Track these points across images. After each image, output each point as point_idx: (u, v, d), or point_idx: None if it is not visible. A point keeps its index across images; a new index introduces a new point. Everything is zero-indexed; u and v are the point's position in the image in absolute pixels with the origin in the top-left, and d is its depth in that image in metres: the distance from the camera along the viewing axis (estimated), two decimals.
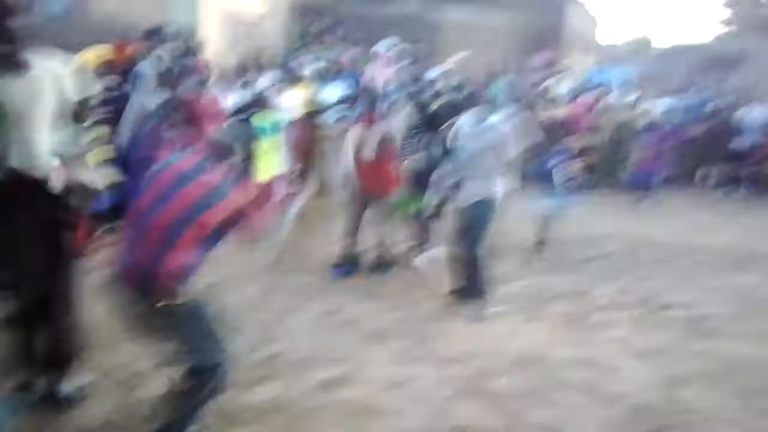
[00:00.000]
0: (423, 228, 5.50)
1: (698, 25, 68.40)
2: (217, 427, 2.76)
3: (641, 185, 8.41)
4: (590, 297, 4.75)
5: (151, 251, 2.33)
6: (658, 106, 9.66)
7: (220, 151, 2.71)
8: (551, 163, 5.91)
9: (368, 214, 5.06)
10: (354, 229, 5.04)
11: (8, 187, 2.43)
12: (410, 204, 5.45)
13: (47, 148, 2.49)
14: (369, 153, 4.88)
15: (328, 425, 2.83)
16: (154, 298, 2.32)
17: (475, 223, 4.26)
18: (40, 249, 2.55)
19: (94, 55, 6.27)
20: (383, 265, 5.10)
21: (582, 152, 9.19)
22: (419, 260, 5.23)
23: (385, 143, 4.87)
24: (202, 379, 2.42)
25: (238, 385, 3.11)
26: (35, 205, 2.49)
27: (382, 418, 2.91)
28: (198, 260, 2.41)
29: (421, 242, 5.53)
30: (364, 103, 4.93)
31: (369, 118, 4.90)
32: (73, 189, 4.41)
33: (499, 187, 4.30)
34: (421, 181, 5.37)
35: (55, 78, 2.48)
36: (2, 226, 2.45)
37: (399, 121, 5.06)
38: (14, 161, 2.44)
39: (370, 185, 4.92)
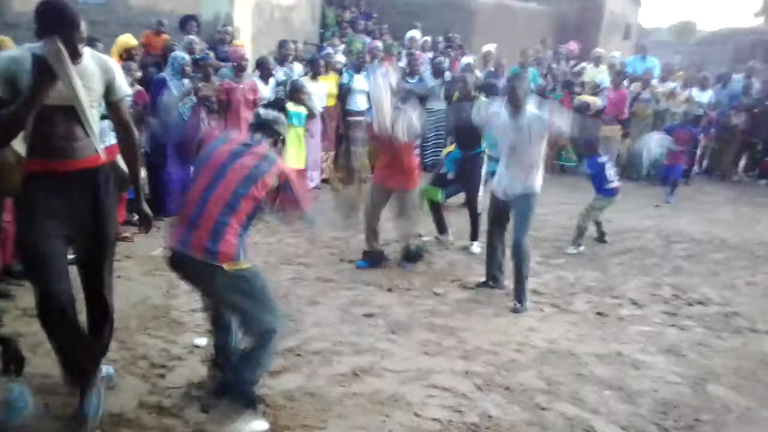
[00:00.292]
0: (440, 218, 5.61)
1: (745, 7, 65.78)
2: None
3: (674, 178, 8.11)
4: (620, 291, 4.70)
5: (214, 222, 2.59)
6: (701, 95, 9.39)
7: (264, 130, 2.87)
8: (603, 159, 5.84)
9: (392, 206, 5.06)
10: (375, 222, 5.03)
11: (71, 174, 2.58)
12: (434, 194, 5.47)
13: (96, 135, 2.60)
14: (390, 146, 4.80)
15: (353, 413, 2.89)
16: (221, 264, 2.56)
17: (523, 216, 4.23)
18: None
19: (128, 41, 6.41)
20: (410, 257, 5.10)
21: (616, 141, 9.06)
22: (474, 247, 5.42)
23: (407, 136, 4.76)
24: (267, 339, 2.67)
25: (268, 371, 3.21)
26: (94, 189, 2.63)
27: (406, 408, 2.95)
28: (249, 227, 2.70)
29: (442, 232, 5.60)
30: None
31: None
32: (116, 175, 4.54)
33: (540, 178, 4.27)
34: (443, 173, 5.41)
35: (104, 71, 2.57)
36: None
37: (423, 112, 5.04)
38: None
39: (391, 178, 4.90)
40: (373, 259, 5.06)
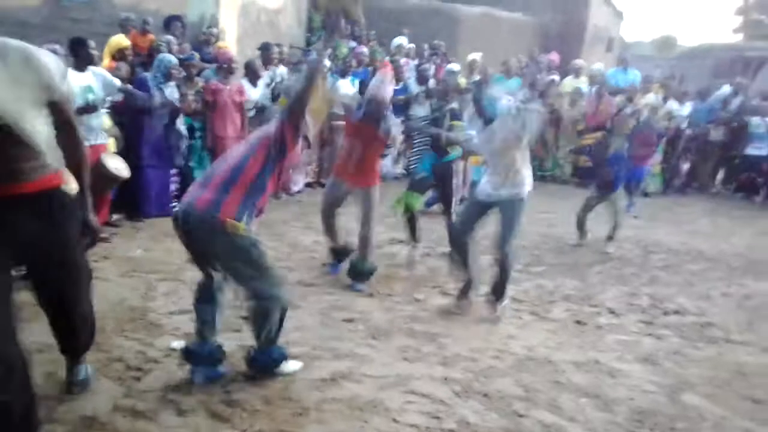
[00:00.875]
0: (414, 227, 5.43)
1: (724, 24, 67.04)
2: (224, 415, 2.82)
3: (635, 180, 7.62)
4: (598, 300, 4.75)
5: (221, 181, 2.88)
6: (681, 109, 9.55)
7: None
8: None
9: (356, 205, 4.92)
10: (331, 218, 4.85)
11: None
12: (413, 201, 5.40)
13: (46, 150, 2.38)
14: (362, 138, 4.66)
15: (332, 418, 2.87)
16: (222, 219, 2.77)
17: (511, 221, 4.19)
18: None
19: (121, 42, 6.37)
20: (358, 273, 4.76)
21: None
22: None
23: (376, 137, 4.62)
24: (267, 308, 2.99)
25: (245, 375, 3.19)
26: (48, 214, 2.39)
27: (385, 414, 2.94)
28: (253, 202, 2.91)
29: (416, 241, 5.49)
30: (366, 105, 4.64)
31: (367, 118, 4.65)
32: (101, 174, 4.49)
33: (526, 185, 4.22)
34: (422, 179, 5.34)
35: (33, 70, 2.18)
36: None
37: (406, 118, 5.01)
38: None
39: (351, 174, 4.71)
40: (339, 256, 4.94)
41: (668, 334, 4.17)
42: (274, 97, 7.29)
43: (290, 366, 3.22)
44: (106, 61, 6.44)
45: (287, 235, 6.05)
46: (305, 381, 3.20)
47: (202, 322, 3.11)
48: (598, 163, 6.43)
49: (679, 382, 3.48)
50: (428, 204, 5.76)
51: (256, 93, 7.27)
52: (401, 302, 4.46)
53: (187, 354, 3.13)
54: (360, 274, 4.71)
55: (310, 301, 4.33)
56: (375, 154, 4.74)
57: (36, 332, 3.48)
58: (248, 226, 2.86)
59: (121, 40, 6.45)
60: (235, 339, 3.63)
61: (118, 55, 6.25)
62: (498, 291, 4.27)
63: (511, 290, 4.77)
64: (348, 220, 5.13)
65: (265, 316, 3.00)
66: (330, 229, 4.88)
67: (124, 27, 7.21)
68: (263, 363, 3.14)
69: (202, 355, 3.10)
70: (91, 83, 5.15)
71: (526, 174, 4.22)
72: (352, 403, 3.02)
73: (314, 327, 3.90)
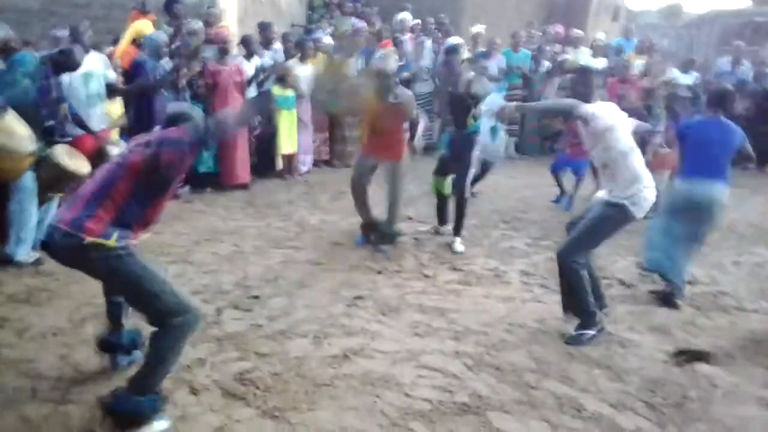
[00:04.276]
0: (443, 210, 5.48)
1: None
2: (238, 393, 2.84)
3: (578, 174, 6.82)
4: (609, 271, 4.72)
5: (87, 199, 2.49)
6: (685, 78, 9.35)
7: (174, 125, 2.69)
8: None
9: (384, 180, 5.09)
10: (363, 194, 5.07)
11: None
12: (441, 186, 5.37)
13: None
14: (384, 117, 4.85)
15: (344, 394, 2.89)
16: (83, 237, 2.40)
17: (585, 225, 3.66)
18: None
19: (144, 29, 6.35)
20: (384, 238, 5.05)
21: None
22: (456, 244, 5.12)
23: (398, 112, 4.83)
24: (163, 334, 2.50)
25: (257, 353, 3.21)
26: None
27: (397, 388, 2.95)
28: (129, 221, 2.52)
29: (441, 224, 5.51)
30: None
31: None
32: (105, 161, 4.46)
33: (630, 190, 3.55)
34: (442, 160, 5.33)
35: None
36: None
37: (417, 92, 5.02)
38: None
39: (379, 150, 4.96)
40: (370, 231, 5.10)
41: (680, 304, 4.15)
42: (274, 79, 7.25)
43: (159, 426, 2.54)
44: (124, 44, 6.42)
45: (294, 214, 6.04)
46: (317, 358, 3.22)
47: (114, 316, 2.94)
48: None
49: (692, 352, 3.46)
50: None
51: (251, 68, 7.22)
52: (411, 279, 4.45)
53: (106, 345, 2.95)
54: (385, 237, 5.01)
55: (320, 280, 4.34)
56: (395, 127, 4.94)
57: (49, 317, 3.53)
58: (122, 242, 2.47)
59: (145, 26, 6.44)
60: (247, 319, 3.66)
61: (138, 42, 6.25)
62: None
63: (520, 264, 4.78)
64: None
65: (161, 351, 2.52)
66: (361, 203, 5.09)
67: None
68: (129, 410, 2.49)
69: (120, 344, 2.96)
70: (91, 68, 5.13)
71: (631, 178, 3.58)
72: (364, 378, 3.03)
73: (324, 305, 3.91)
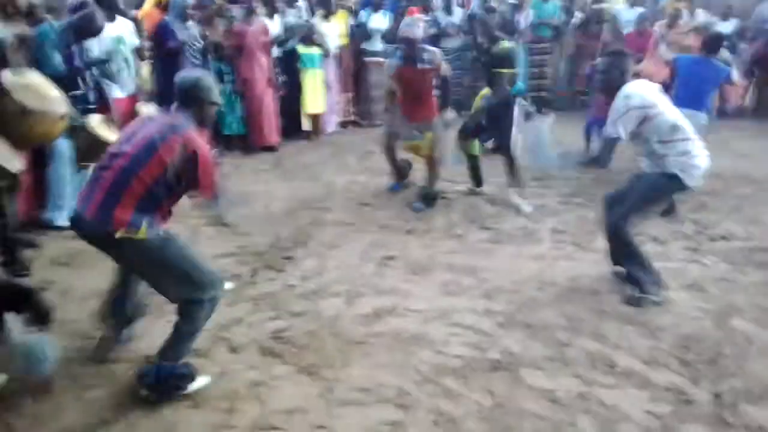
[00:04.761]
0: (477, 171, 5.44)
1: None
2: (275, 351, 2.92)
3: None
4: (642, 228, 4.64)
5: (110, 186, 2.45)
6: (724, 26, 8.94)
7: (184, 99, 2.66)
8: None
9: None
10: (392, 144, 5.20)
11: None
12: (470, 148, 5.31)
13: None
14: (416, 82, 4.90)
15: (377, 351, 2.95)
16: (113, 230, 2.41)
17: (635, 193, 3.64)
18: None
19: None
20: (425, 198, 5.09)
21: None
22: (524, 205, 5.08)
23: (427, 76, 4.88)
24: (188, 311, 2.54)
25: (292, 313, 3.28)
26: None
27: (429, 346, 3.00)
28: (152, 210, 2.50)
29: (478, 185, 5.48)
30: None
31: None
32: None
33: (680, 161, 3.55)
34: (467, 123, 5.26)
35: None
36: None
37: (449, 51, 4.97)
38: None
39: (414, 114, 5.00)
40: (401, 176, 5.35)
41: (715, 260, 4.09)
42: (299, 38, 7.19)
43: (198, 383, 2.64)
44: (147, 7, 6.41)
45: (322, 176, 6.06)
46: (350, 317, 3.28)
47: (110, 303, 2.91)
48: None
49: (726, 308, 3.43)
50: (483, 142, 5.56)
51: (275, 27, 7.16)
52: (440, 238, 4.46)
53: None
54: (426, 197, 5.09)
55: (350, 240, 4.38)
56: (428, 90, 5.01)
57: (90, 279, 3.65)
58: (151, 229, 2.47)
59: None
60: (280, 279, 3.73)
61: (163, 4, 6.22)
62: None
63: (551, 222, 4.75)
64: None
65: (188, 321, 2.56)
66: (392, 158, 5.28)
67: None
68: (165, 378, 2.56)
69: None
70: (121, 33, 5.14)
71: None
72: (396, 336, 3.08)
73: (355, 265, 3.95)
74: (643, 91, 3.45)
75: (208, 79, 2.73)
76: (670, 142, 3.46)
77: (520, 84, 5.15)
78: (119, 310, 2.86)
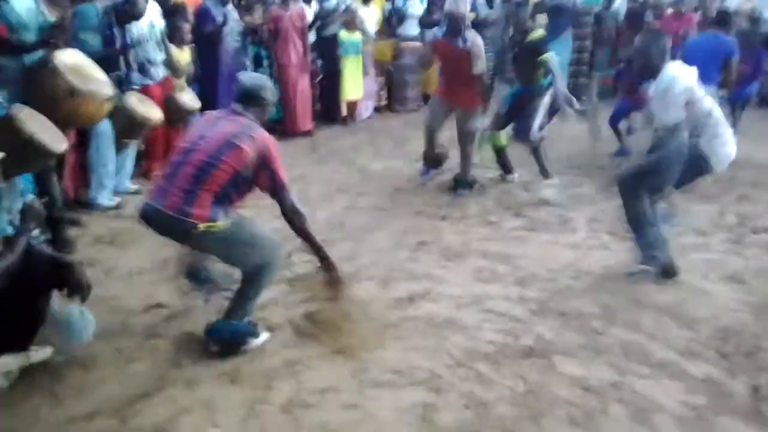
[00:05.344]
0: (505, 160, 5.40)
1: None
2: (310, 332, 2.98)
3: (739, 102, 6.79)
4: (683, 218, 4.56)
5: (188, 185, 2.57)
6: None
7: (248, 100, 2.78)
8: None
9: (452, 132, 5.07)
10: (433, 128, 5.11)
11: None
12: (496, 140, 5.27)
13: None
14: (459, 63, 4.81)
15: (411, 335, 2.98)
16: (195, 223, 2.54)
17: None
18: None
19: None
20: (462, 184, 5.10)
21: None
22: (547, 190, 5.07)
23: (470, 57, 4.74)
24: (256, 275, 2.74)
25: (326, 296, 3.33)
26: None
27: (462, 331, 3.02)
28: (227, 203, 2.64)
29: (507, 173, 5.44)
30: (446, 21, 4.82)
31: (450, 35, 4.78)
32: (173, 108, 4.60)
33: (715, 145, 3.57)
34: (497, 116, 5.21)
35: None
36: None
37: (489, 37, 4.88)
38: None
39: (454, 95, 4.93)
40: (430, 163, 5.25)
41: (757, 253, 4.00)
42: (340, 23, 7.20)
43: (260, 339, 2.86)
44: None
45: (357, 161, 6.10)
46: (383, 301, 3.31)
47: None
48: None
49: (767, 301, 3.35)
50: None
51: (311, 13, 7.18)
52: (474, 225, 4.46)
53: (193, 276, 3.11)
54: (462, 185, 5.12)
55: (384, 225, 4.41)
56: (468, 72, 4.80)
57: (133, 258, 3.76)
58: (226, 219, 2.62)
59: None
60: (316, 262, 3.77)
61: None
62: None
63: (588, 210, 4.70)
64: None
65: (256, 284, 2.76)
66: (430, 141, 5.18)
67: None
68: (231, 335, 2.78)
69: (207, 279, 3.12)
70: (152, 17, 5.19)
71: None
72: (430, 321, 3.11)
73: (389, 250, 3.98)
74: (686, 75, 3.38)
75: (268, 80, 2.98)
76: (703, 128, 3.44)
77: (547, 79, 4.95)
78: (195, 278, 3.07)
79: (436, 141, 5.18)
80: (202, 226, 2.54)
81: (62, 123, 3.40)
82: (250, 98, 2.77)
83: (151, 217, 2.65)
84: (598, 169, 5.78)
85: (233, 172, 2.59)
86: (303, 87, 6.92)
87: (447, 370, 2.71)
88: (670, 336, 3.01)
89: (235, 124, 2.68)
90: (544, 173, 5.22)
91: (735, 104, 6.56)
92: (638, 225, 3.52)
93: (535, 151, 5.15)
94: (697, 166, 3.53)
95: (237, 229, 2.65)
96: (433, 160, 5.27)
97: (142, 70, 4.85)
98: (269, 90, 2.85)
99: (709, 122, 3.45)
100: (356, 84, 7.47)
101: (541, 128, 5.12)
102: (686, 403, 2.52)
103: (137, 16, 4.61)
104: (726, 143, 3.53)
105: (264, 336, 2.88)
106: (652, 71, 3.44)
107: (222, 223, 2.59)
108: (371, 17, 7.60)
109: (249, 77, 2.89)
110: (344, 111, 7.57)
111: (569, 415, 2.43)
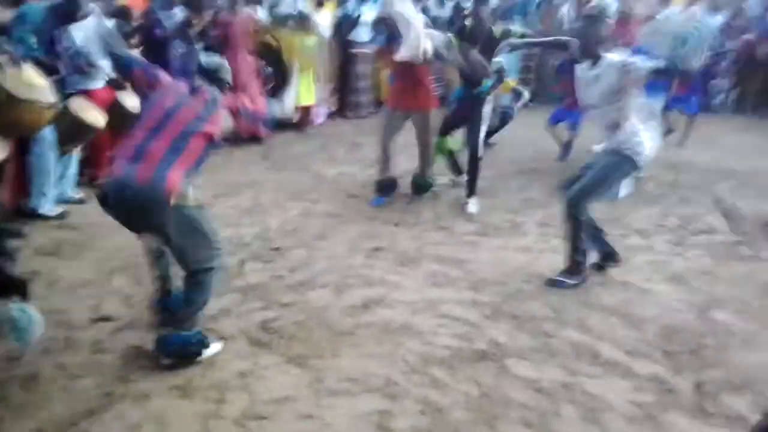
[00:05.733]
0: (454, 162, 5.43)
1: None
2: (263, 341, 2.93)
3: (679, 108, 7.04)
4: (628, 221, 4.72)
5: (162, 156, 2.57)
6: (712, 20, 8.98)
7: (207, 79, 2.95)
8: None
9: (404, 136, 5.06)
10: (387, 148, 4.98)
11: None
12: (445, 145, 5.27)
13: None
14: (409, 68, 4.74)
15: (366, 342, 2.97)
16: (168, 192, 2.52)
17: (593, 174, 3.66)
18: None
19: None
20: (418, 188, 5.13)
21: None
22: (470, 205, 4.94)
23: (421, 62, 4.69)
24: (201, 276, 2.68)
25: (280, 303, 3.29)
26: None
27: (418, 336, 3.03)
28: (193, 173, 2.70)
29: (458, 174, 5.47)
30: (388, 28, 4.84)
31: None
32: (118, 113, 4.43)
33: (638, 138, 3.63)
34: (446, 120, 5.19)
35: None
36: None
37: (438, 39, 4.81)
38: None
39: (407, 100, 4.85)
40: (385, 188, 5.04)
41: (698, 254, 4.16)
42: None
43: (212, 350, 2.81)
44: None
45: (311, 167, 6.06)
46: (338, 307, 3.29)
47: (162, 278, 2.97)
48: None
49: (708, 300, 3.49)
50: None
51: (261, 14, 7.12)
52: (428, 230, 4.49)
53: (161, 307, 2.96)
54: (420, 188, 5.12)
55: (338, 231, 4.39)
56: (418, 74, 4.76)
57: (77, 269, 3.62)
58: (191, 194, 2.64)
59: None
60: (269, 270, 3.73)
61: None
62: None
63: (539, 214, 4.79)
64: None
65: (202, 287, 2.70)
66: (385, 158, 5.01)
67: None
68: (182, 346, 2.70)
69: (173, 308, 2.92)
70: (97, 19, 5.04)
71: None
72: (385, 327, 3.11)
73: (343, 256, 3.97)
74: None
75: (225, 63, 3.12)
76: (632, 119, 3.52)
77: (489, 82, 4.94)
78: (166, 308, 2.93)
79: (391, 158, 5.01)
80: (176, 198, 2.53)
81: (3, 131, 3.26)
82: (210, 79, 2.94)
83: (116, 195, 2.55)
84: (548, 174, 5.91)
85: (210, 137, 2.70)
86: (254, 93, 6.83)
87: (402, 376, 2.71)
88: (617, 336, 3.10)
89: (206, 92, 2.81)
90: (472, 189, 4.97)
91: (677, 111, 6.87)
92: (579, 241, 3.60)
93: (473, 166, 4.97)
94: (622, 166, 3.59)
95: (200, 215, 2.67)
96: (386, 188, 5.05)
97: (86, 73, 4.70)
98: (227, 71, 3.05)
99: (636, 114, 3.52)
100: (309, 89, 7.43)
101: (489, 136, 5.15)
102: (634, 401, 2.59)
103: (80, 16, 4.47)
104: (647, 138, 3.56)
105: (216, 346, 2.82)
106: (591, 54, 3.51)
107: (192, 199, 2.61)
108: (324, 21, 7.58)
109: (208, 61, 3.12)
110: (294, 117, 7.51)
111: (523, 417, 2.47)
